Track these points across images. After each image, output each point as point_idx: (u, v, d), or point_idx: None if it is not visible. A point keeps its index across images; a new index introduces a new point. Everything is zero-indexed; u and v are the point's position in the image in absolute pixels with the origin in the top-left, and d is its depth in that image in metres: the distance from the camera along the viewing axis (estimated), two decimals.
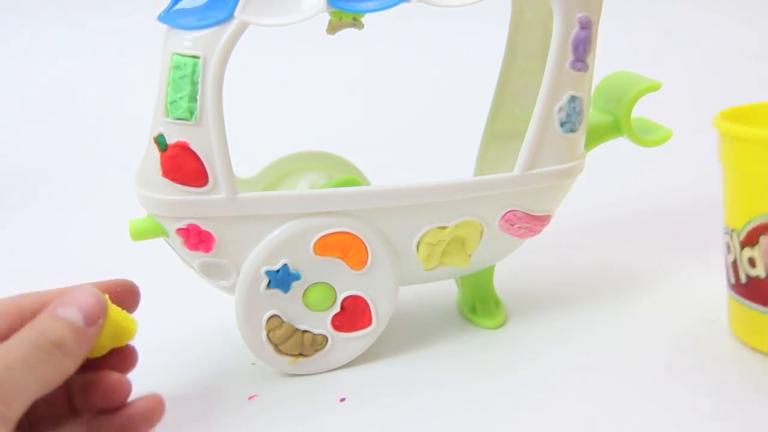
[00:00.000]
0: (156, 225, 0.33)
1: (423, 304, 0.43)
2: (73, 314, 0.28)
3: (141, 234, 0.33)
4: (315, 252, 0.33)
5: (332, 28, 0.36)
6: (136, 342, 0.40)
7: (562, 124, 0.35)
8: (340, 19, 0.36)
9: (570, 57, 0.34)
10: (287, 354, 0.35)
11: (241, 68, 0.42)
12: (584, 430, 0.31)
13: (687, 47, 0.81)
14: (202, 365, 0.39)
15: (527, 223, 0.36)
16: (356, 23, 0.36)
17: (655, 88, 0.37)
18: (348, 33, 0.36)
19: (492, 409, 0.33)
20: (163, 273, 0.39)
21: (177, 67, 0.31)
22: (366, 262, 0.34)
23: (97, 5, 0.88)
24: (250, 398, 0.35)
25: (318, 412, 0.34)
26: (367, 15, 0.35)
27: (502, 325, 0.40)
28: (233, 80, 0.35)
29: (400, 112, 0.72)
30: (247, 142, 0.48)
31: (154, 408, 0.31)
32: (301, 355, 0.35)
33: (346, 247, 0.34)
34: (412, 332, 0.41)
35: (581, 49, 0.34)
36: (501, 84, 0.42)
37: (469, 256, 0.36)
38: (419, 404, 0.34)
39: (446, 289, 0.42)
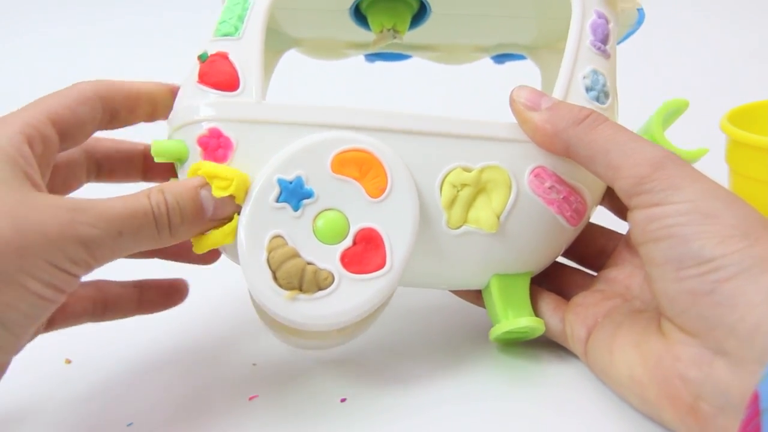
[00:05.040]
0: (178, 146, 0.33)
1: (428, 306, 0.41)
2: (208, 201, 0.30)
3: (162, 153, 0.33)
4: (332, 169, 0.32)
5: (375, 44, 0.41)
6: (135, 342, 0.39)
7: (587, 90, 0.35)
8: (381, 32, 0.40)
9: (590, 37, 0.36)
10: (285, 285, 0.31)
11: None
12: None
13: (693, 47, 0.81)
14: (203, 365, 0.37)
15: (559, 185, 0.34)
16: (397, 34, 0.40)
17: (679, 103, 0.38)
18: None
19: (497, 409, 0.32)
20: (164, 272, 0.38)
21: None
22: (384, 188, 0.32)
23: (100, 5, 0.92)
24: (250, 398, 0.34)
25: (318, 413, 0.33)
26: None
27: (541, 326, 0.34)
28: None
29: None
30: None
31: None
32: (300, 290, 0.31)
33: (364, 168, 0.32)
34: (415, 333, 0.39)
35: (600, 32, 0.36)
36: None
37: (498, 218, 0.33)
38: (421, 405, 0.33)
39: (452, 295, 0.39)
